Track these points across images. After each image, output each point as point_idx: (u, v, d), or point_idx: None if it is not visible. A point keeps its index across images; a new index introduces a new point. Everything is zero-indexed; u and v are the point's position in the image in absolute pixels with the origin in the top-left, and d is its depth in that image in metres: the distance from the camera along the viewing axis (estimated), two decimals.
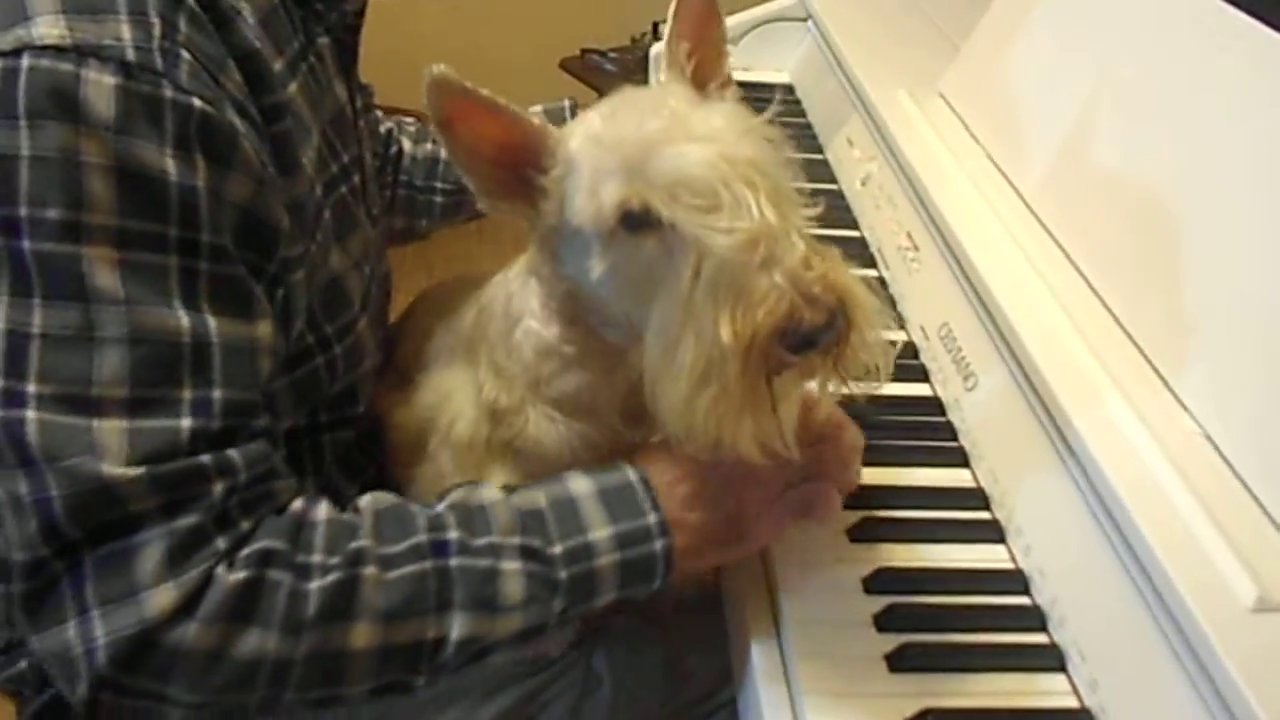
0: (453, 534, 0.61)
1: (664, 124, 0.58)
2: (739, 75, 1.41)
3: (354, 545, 0.59)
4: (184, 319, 0.57)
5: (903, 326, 0.96)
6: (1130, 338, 0.76)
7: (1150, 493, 0.63)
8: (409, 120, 1.12)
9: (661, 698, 0.84)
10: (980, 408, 0.82)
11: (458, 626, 0.60)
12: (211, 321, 0.58)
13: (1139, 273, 0.77)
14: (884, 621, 0.69)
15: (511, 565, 0.61)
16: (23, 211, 0.53)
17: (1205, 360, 0.69)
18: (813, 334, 0.55)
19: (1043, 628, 0.69)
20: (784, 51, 1.43)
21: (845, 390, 0.62)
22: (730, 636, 0.74)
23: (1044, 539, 0.72)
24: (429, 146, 1.10)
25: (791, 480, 0.69)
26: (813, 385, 0.63)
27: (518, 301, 0.72)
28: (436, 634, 0.59)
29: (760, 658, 0.68)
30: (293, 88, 0.67)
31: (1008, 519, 0.76)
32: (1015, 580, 0.72)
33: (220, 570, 0.55)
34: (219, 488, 0.56)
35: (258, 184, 0.60)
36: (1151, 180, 0.80)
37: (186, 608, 0.54)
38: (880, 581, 0.72)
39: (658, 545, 0.64)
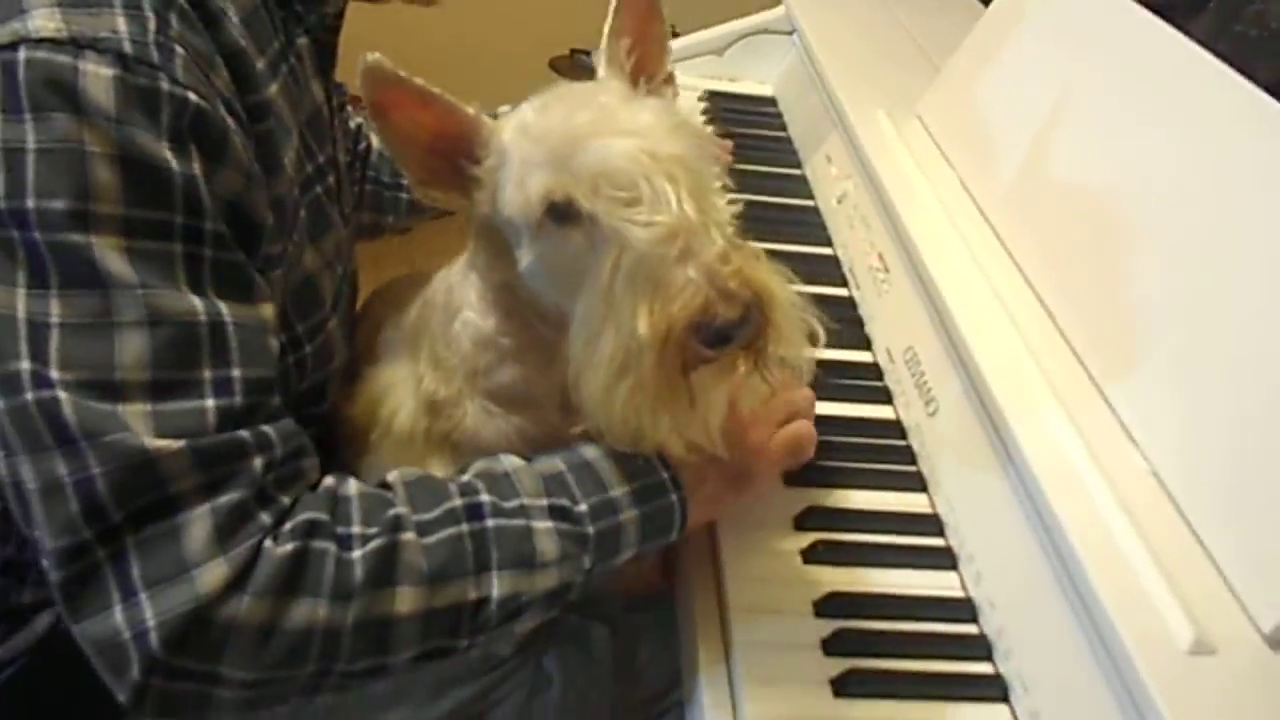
0: (485, 497, 0.62)
1: (592, 117, 0.59)
2: (722, 86, 1.41)
3: (391, 513, 0.60)
4: (196, 302, 0.57)
5: (869, 347, 0.96)
6: (1087, 372, 0.76)
7: (1097, 530, 0.63)
8: None
9: (612, 697, 0.85)
10: (940, 433, 0.83)
11: (498, 586, 0.60)
12: (221, 304, 0.58)
13: (1097, 304, 0.78)
14: (832, 646, 0.69)
15: (543, 524, 0.62)
16: (30, 203, 0.53)
17: (1158, 398, 0.70)
18: (727, 329, 0.55)
19: (988, 657, 0.70)
20: (769, 64, 1.43)
21: (766, 385, 0.63)
22: (680, 649, 0.75)
23: (994, 568, 0.72)
24: None
25: (779, 420, 0.72)
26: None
27: (458, 294, 0.72)
28: (478, 594, 0.60)
29: (707, 678, 0.69)
30: (274, 88, 0.68)
31: (960, 546, 0.76)
32: (964, 609, 0.73)
33: (268, 544, 0.55)
34: (258, 463, 0.57)
35: (246, 179, 0.61)
36: (1114, 210, 0.80)
37: (238, 582, 0.54)
38: (831, 605, 0.72)
39: (673, 498, 0.66)
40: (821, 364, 0.93)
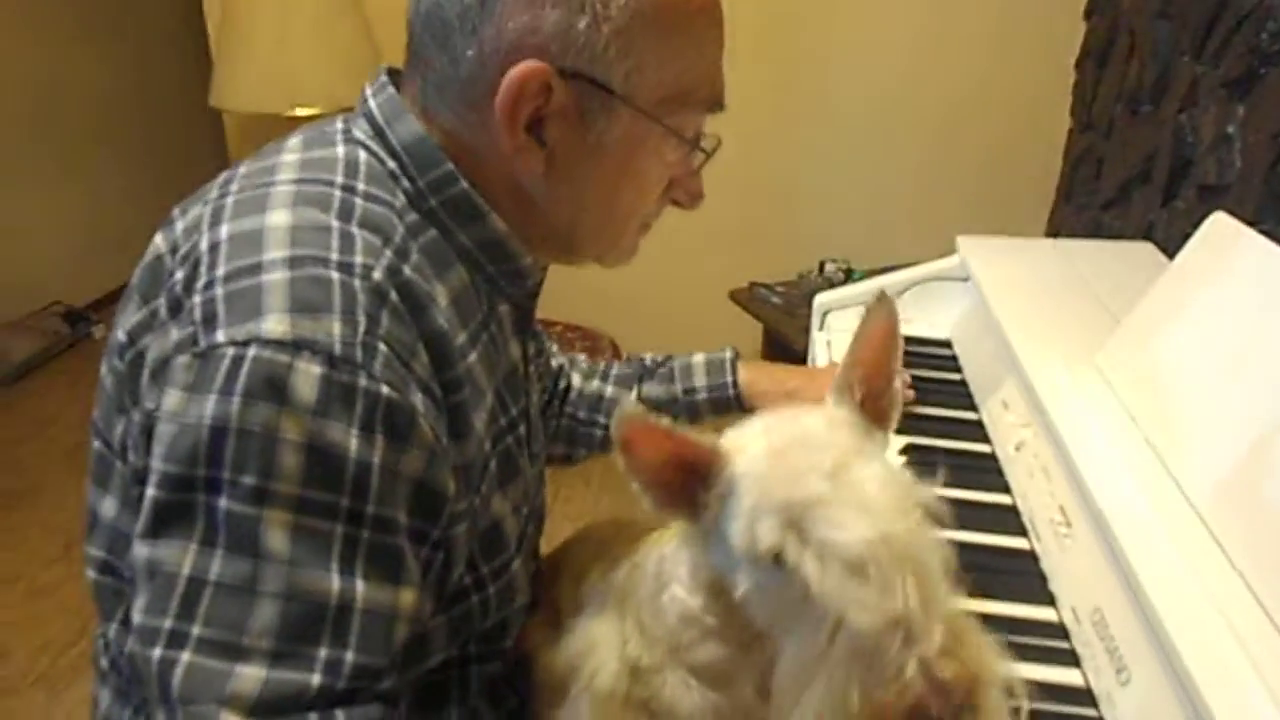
0: None
1: (826, 479, 0.61)
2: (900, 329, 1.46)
3: None
4: (335, 582, 0.63)
5: (1053, 604, 0.94)
6: None
7: None
8: (581, 357, 1.21)
9: None
10: (1135, 707, 0.79)
11: None
12: (360, 586, 0.64)
13: None
14: None
15: None
16: (225, 475, 0.62)
17: None
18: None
19: None
20: (944, 309, 1.48)
21: None
22: None
23: None
24: (595, 384, 1.18)
25: None
26: None
27: (669, 566, 0.75)
28: None
29: None
30: (472, 357, 0.76)
31: None
32: None
33: None
34: None
35: (430, 456, 0.68)
36: None
37: None
38: None
39: None
40: (1002, 620, 0.92)
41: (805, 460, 0.63)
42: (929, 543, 0.61)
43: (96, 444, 0.79)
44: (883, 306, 0.72)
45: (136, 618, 0.63)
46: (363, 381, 0.64)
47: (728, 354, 1.18)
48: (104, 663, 0.84)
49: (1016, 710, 0.61)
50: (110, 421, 0.76)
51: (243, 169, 0.76)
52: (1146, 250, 1.45)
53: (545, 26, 0.69)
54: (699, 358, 1.16)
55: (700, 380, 1.15)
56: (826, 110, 2.52)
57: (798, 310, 2.24)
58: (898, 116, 2.49)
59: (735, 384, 1.16)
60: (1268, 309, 0.92)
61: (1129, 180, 1.72)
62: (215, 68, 2.40)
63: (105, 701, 0.85)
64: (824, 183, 2.59)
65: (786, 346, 2.21)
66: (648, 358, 1.20)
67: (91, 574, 0.81)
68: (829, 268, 2.37)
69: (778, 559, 0.61)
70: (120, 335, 0.74)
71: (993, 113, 2.42)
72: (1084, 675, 0.85)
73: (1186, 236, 1.09)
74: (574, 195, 0.78)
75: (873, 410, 0.71)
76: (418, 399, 0.67)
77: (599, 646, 0.79)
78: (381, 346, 0.65)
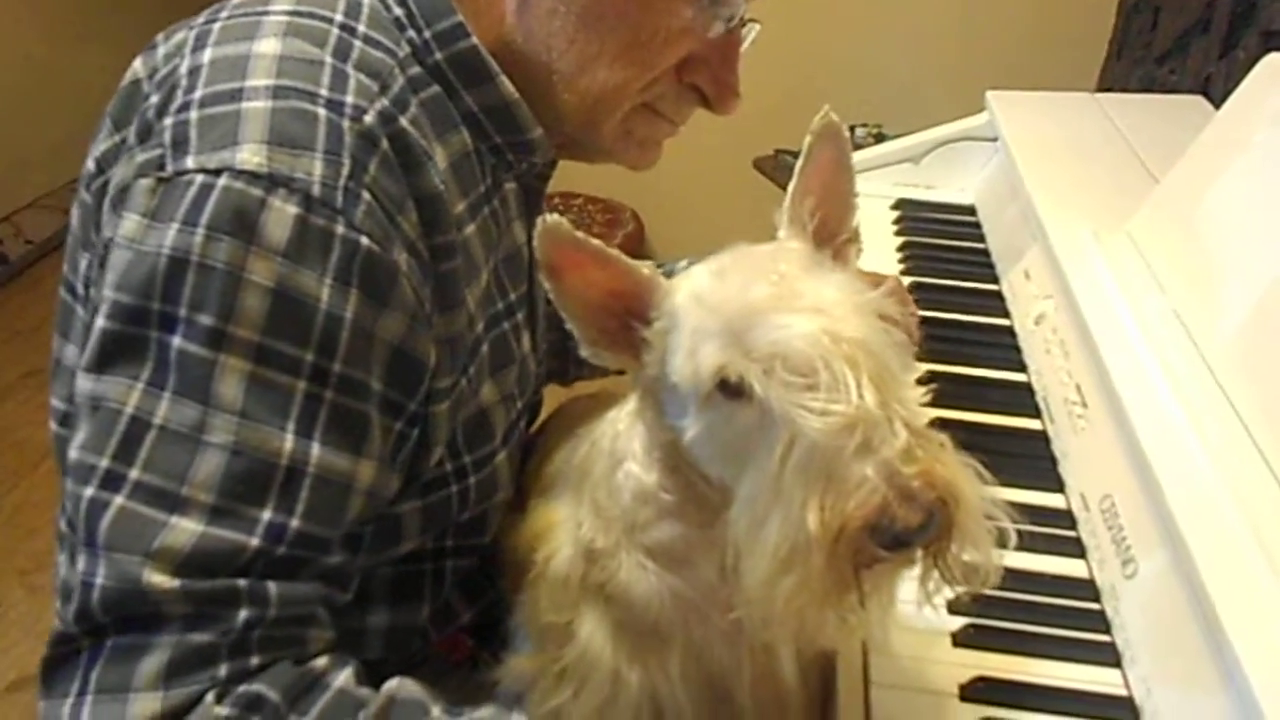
0: None
1: (770, 290, 0.55)
2: (917, 194, 1.36)
3: None
4: (289, 442, 0.58)
5: (1061, 490, 0.87)
6: None
7: None
8: None
9: None
10: (1139, 602, 0.73)
11: None
12: (316, 449, 0.59)
13: None
14: None
15: None
16: (181, 311, 0.57)
17: None
18: (906, 534, 0.50)
19: None
20: (970, 171, 1.37)
21: (949, 589, 0.56)
22: None
23: None
24: None
25: None
26: None
27: (622, 442, 0.70)
28: None
29: None
30: (470, 229, 0.70)
31: None
32: None
33: (209, 698, 0.56)
34: (242, 615, 0.57)
35: (411, 321, 0.63)
36: None
37: None
38: None
39: None
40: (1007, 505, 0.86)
41: (750, 276, 0.57)
42: (886, 341, 0.55)
43: (62, 291, 0.74)
44: (827, 129, 0.63)
45: (73, 454, 0.58)
46: (340, 228, 0.59)
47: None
48: (63, 524, 0.82)
49: (1001, 533, 0.55)
50: (75, 261, 0.72)
51: None
52: (1196, 104, 1.32)
53: None
54: (683, 264, 1.06)
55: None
56: None
57: None
58: None
59: None
60: None
61: (1187, 29, 1.56)
62: None
63: (64, 568, 0.82)
64: (853, 40, 2.41)
65: None
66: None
67: (53, 425, 0.77)
68: (859, 132, 2.24)
69: (725, 386, 0.55)
70: (90, 164, 0.69)
71: None
72: (1088, 566, 0.79)
73: None
74: (549, 25, 0.70)
75: (830, 248, 0.64)
76: (402, 257, 0.62)
77: (555, 529, 0.74)
78: (365, 195, 0.60)
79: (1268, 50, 1.29)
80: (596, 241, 0.60)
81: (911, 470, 0.50)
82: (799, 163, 0.64)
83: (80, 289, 0.71)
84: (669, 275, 1.00)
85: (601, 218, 2.67)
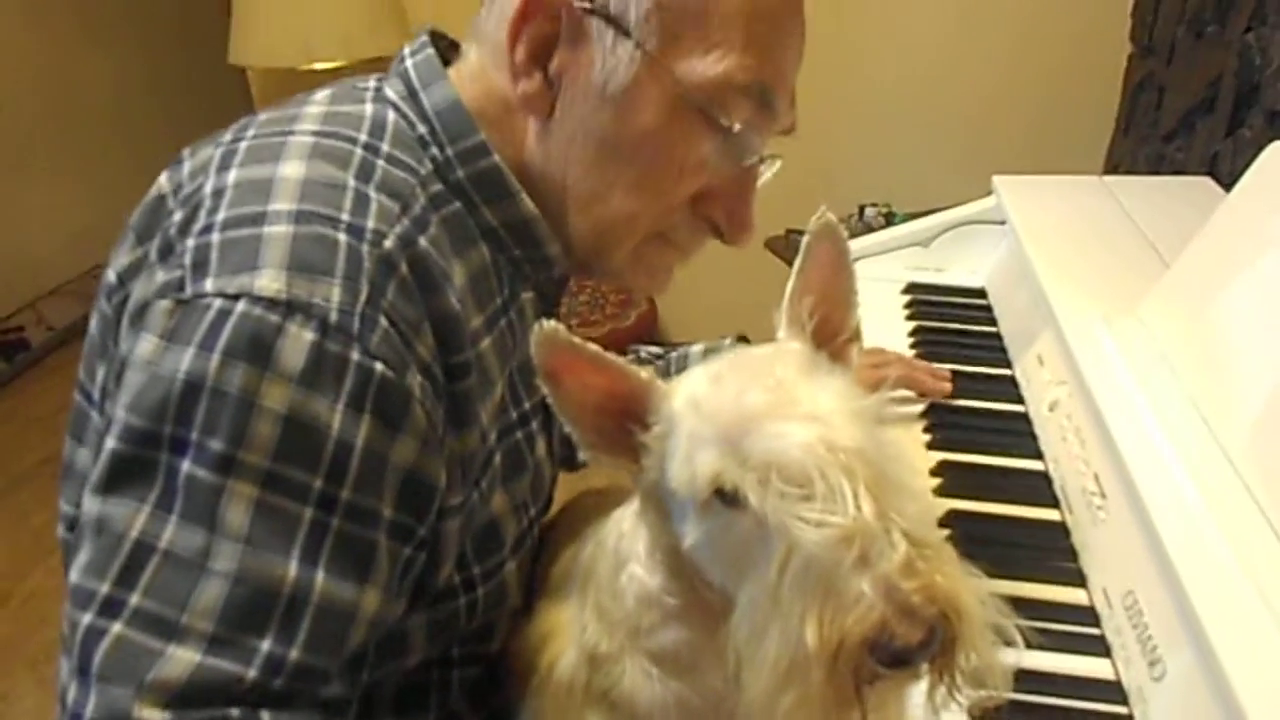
0: None
1: (766, 396, 0.55)
2: (927, 277, 1.36)
3: None
4: (293, 569, 0.57)
5: (1083, 584, 0.85)
6: None
7: None
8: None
9: None
10: (1168, 705, 0.70)
11: None
12: (320, 577, 0.58)
13: None
14: None
15: None
16: (193, 436, 0.56)
17: None
18: (906, 652, 0.49)
19: None
20: (980, 254, 1.37)
21: (955, 700, 0.54)
22: None
23: None
24: None
25: None
26: None
27: (626, 543, 0.69)
28: None
29: None
30: (485, 343, 0.71)
31: None
32: None
33: None
34: None
35: (423, 445, 0.62)
36: None
37: None
38: None
39: None
40: (1027, 601, 0.84)
41: (746, 382, 0.57)
42: (885, 448, 0.54)
43: (77, 396, 0.74)
44: (825, 228, 0.64)
45: (74, 576, 0.57)
46: (356, 355, 0.59)
47: (726, 342, 1.04)
48: (65, 628, 0.80)
49: (1006, 640, 0.54)
50: (92, 369, 0.72)
51: (263, 116, 0.71)
52: (1203, 186, 1.32)
53: None
54: (697, 348, 1.05)
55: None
56: (867, 41, 2.37)
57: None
58: (945, 49, 2.33)
59: None
60: None
61: (1192, 108, 1.58)
62: (233, 22, 2.35)
63: (64, 672, 0.80)
64: (865, 122, 2.45)
65: None
66: (646, 350, 1.10)
67: (61, 531, 0.76)
68: (869, 212, 2.25)
69: (721, 494, 0.55)
70: (111, 276, 0.70)
71: (1045, 41, 2.26)
72: (1114, 666, 0.77)
73: None
74: (573, 150, 0.71)
75: (830, 348, 0.63)
76: (415, 381, 0.62)
77: (558, 633, 0.73)
78: (382, 320, 0.60)
79: (1273, 129, 1.30)
80: (594, 346, 0.60)
81: (911, 585, 0.49)
82: (797, 262, 0.65)
83: (96, 396, 0.71)
84: (684, 361, 1.00)
85: (615, 299, 2.68)
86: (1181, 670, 0.69)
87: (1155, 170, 1.74)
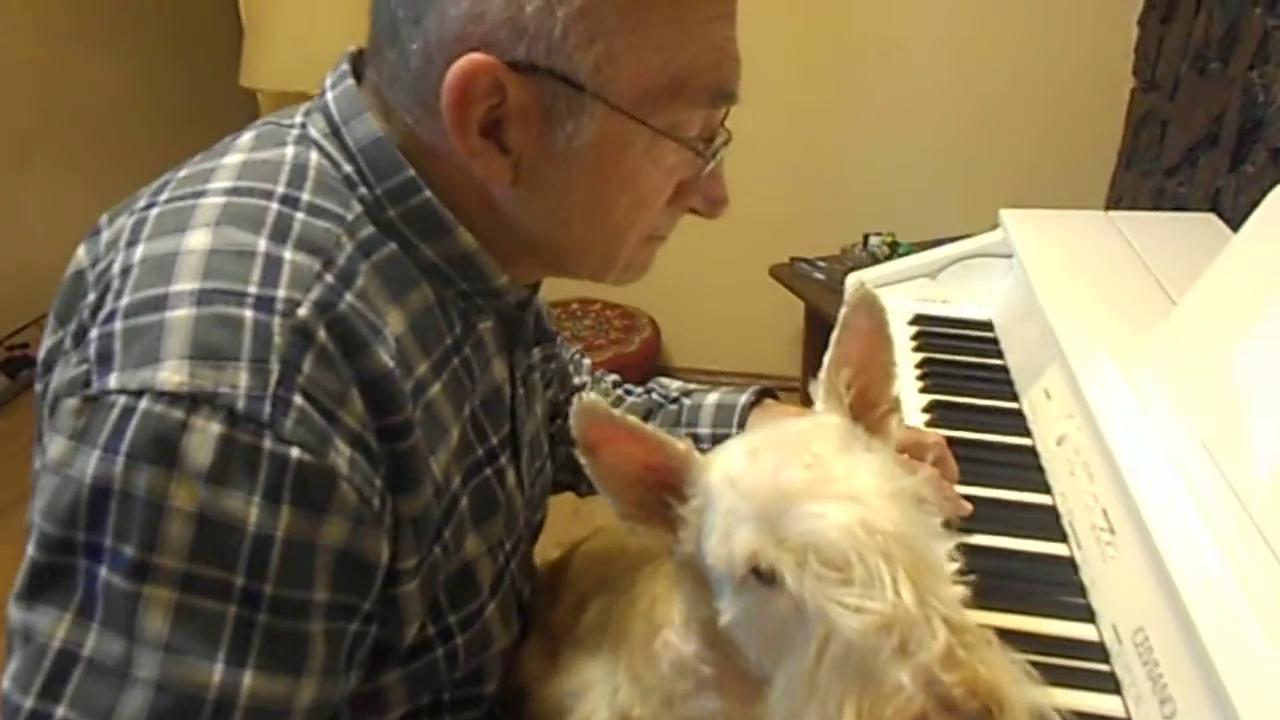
0: None
1: (804, 474, 0.55)
2: (934, 309, 1.37)
3: None
4: (218, 673, 0.56)
5: (1092, 620, 0.85)
6: None
7: None
8: (611, 377, 1.09)
9: None
10: None
11: None
12: (247, 678, 0.56)
13: None
14: None
15: None
16: (107, 542, 0.55)
17: None
18: None
19: None
20: (987, 285, 1.38)
21: None
22: None
23: None
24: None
25: None
26: None
27: (661, 608, 0.69)
28: None
29: None
30: (434, 389, 0.68)
31: None
32: None
33: None
34: None
35: (355, 524, 0.60)
36: None
37: None
38: None
39: None
40: (1035, 636, 0.84)
41: (784, 458, 0.57)
42: (924, 532, 0.54)
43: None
44: (864, 299, 0.64)
45: (5, 683, 0.56)
46: (268, 443, 0.56)
47: (742, 399, 0.98)
48: None
49: None
50: (40, 435, 0.68)
51: (184, 170, 0.68)
52: (1208, 222, 1.33)
53: (490, 12, 0.60)
54: (712, 398, 1.01)
55: (705, 427, 0.98)
56: (871, 72, 2.40)
57: (840, 287, 2.14)
58: (948, 78, 2.36)
59: (741, 431, 0.99)
60: None
61: (1195, 144, 1.59)
62: (245, 45, 2.37)
63: None
64: (869, 151, 2.47)
65: (828, 324, 2.11)
66: (661, 390, 1.06)
67: None
68: (873, 241, 2.27)
69: (758, 572, 0.55)
70: (41, 356, 0.67)
71: (1049, 75, 2.28)
72: (1124, 704, 0.77)
73: (1256, 204, 0.97)
74: (551, 207, 0.68)
75: (868, 420, 0.63)
76: (342, 458, 0.59)
77: (590, 690, 0.72)
78: (297, 399, 0.57)
79: (1276, 166, 1.32)
80: (633, 419, 0.60)
81: (953, 678, 0.49)
82: (835, 333, 0.64)
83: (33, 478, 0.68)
84: (696, 412, 0.98)
85: (619, 323, 2.69)
86: (1192, 708, 0.69)
87: (1157, 204, 1.76)
